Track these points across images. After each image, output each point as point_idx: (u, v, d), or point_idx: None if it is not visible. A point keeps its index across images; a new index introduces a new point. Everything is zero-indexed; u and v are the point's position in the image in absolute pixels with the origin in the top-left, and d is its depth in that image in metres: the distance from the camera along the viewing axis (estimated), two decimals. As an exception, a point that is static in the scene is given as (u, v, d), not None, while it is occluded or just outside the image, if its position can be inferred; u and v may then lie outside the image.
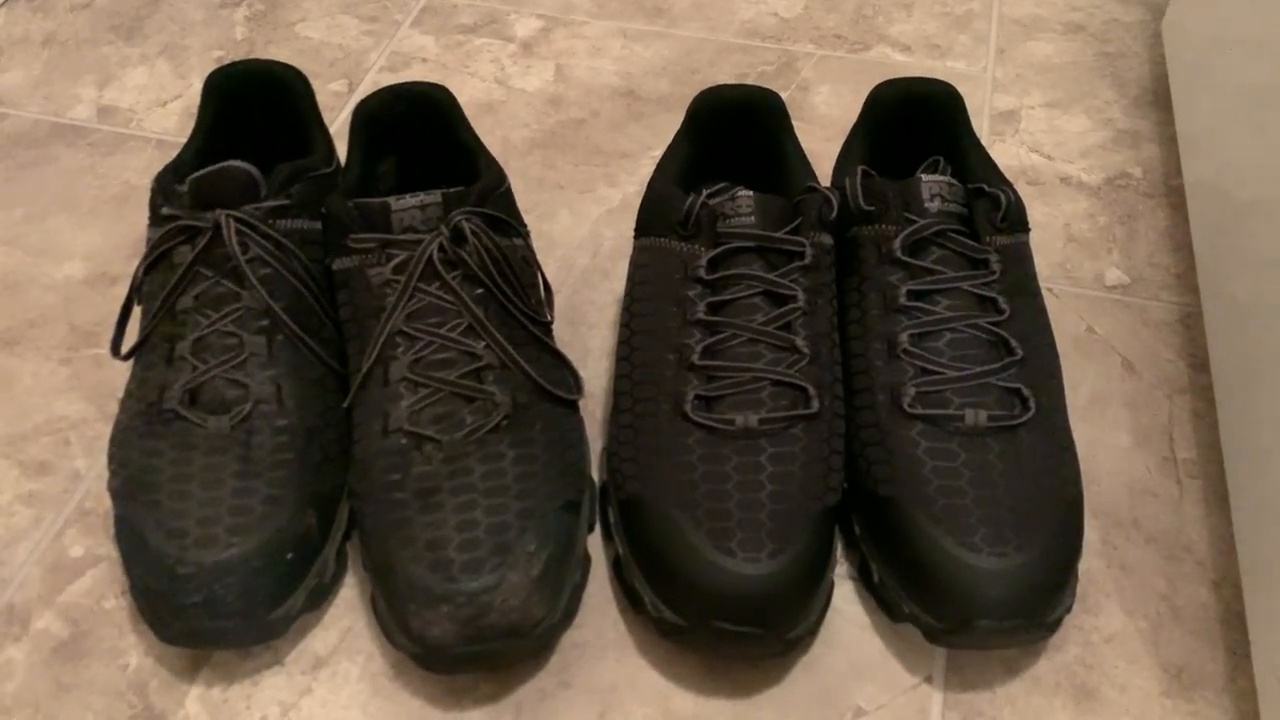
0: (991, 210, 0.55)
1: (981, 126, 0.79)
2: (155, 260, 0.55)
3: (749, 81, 0.82)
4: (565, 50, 0.86)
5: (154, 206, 0.56)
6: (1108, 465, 0.59)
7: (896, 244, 0.54)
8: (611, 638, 0.53)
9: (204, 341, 0.53)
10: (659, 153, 0.77)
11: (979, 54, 0.85)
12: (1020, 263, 0.56)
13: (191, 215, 0.54)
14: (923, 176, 0.55)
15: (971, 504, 0.49)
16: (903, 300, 0.53)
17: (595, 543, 0.56)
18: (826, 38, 0.86)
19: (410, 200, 0.53)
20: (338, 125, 0.79)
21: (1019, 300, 0.54)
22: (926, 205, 0.55)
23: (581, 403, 0.57)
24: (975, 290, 0.54)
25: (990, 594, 0.47)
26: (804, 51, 0.85)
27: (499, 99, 0.82)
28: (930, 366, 0.52)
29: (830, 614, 0.52)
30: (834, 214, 0.54)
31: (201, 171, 0.54)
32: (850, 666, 0.52)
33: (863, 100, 0.63)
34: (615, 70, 0.84)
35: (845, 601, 0.54)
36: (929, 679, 0.51)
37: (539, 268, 0.58)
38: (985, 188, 0.55)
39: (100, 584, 0.55)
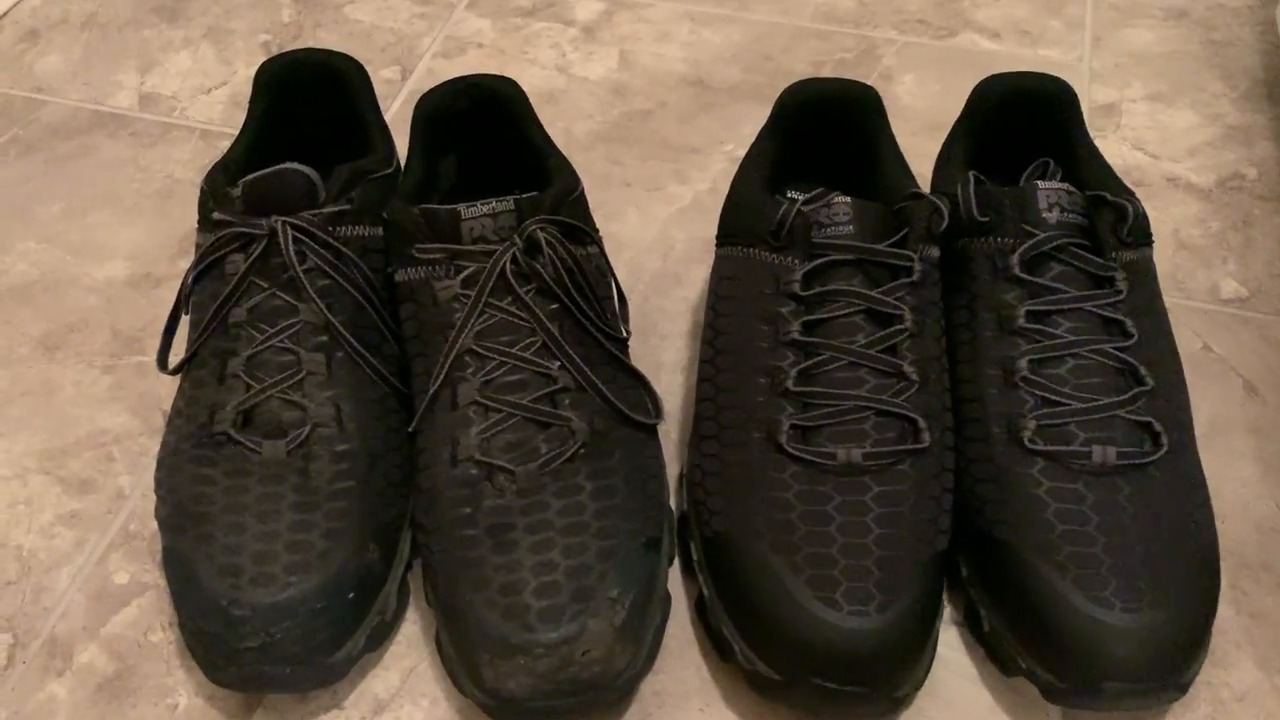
0: (1117, 222, 0.50)
1: (1078, 121, 0.73)
2: (206, 268, 0.51)
3: (826, 70, 0.77)
4: (629, 35, 0.81)
5: (203, 210, 0.52)
6: (1232, 500, 0.54)
7: (1014, 259, 0.49)
8: (694, 685, 0.49)
9: (258, 359, 0.49)
10: (731, 147, 0.73)
11: (1074, 42, 0.79)
12: (1146, 280, 0.51)
13: (245, 221, 0.50)
14: (1039, 184, 0.50)
15: (1101, 552, 0.44)
16: (1020, 322, 0.48)
17: (673, 576, 0.52)
18: (909, 23, 0.81)
19: (481, 208, 0.48)
20: (391, 115, 0.75)
21: (1145, 322, 0.50)
22: (1044, 215, 0.50)
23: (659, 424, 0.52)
24: (1100, 311, 0.49)
25: (1121, 654, 0.43)
26: (885, 38, 0.80)
27: (560, 88, 0.77)
28: (1052, 396, 0.47)
29: (934, 663, 0.48)
30: (944, 225, 0.49)
31: (256, 174, 0.50)
32: (957, 723, 0.47)
33: (949, 91, 0.58)
34: (683, 57, 0.79)
35: (950, 649, 0.49)
36: (1043, 738, 0.47)
37: (614, 277, 0.54)
38: (1108, 196, 0.50)
39: (147, 614, 0.51)
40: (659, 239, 0.68)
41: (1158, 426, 0.47)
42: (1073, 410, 0.47)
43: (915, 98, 0.75)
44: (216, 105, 0.77)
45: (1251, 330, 0.61)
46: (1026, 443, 0.47)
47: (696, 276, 0.65)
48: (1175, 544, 0.45)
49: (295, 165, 0.50)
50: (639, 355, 0.61)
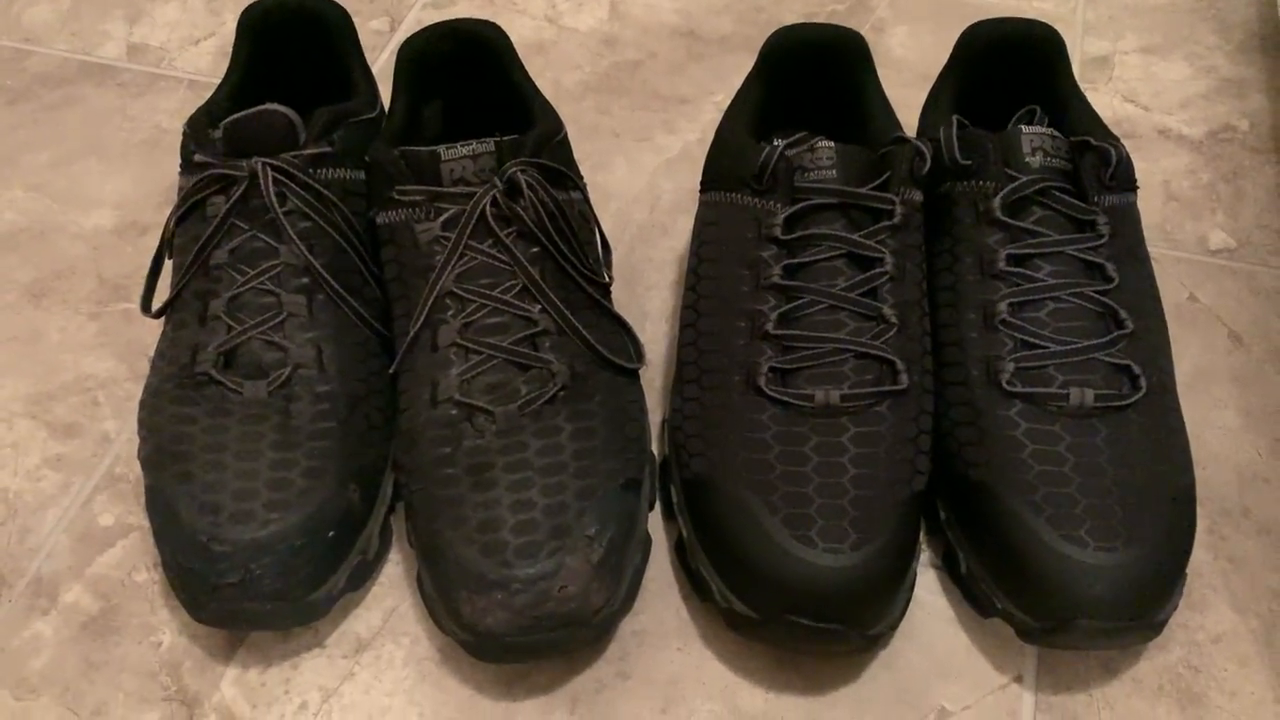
0: (1100, 166, 0.50)
1: (1071, 73, 0.73)
2: (187, 211, 0.51)
3: (819, 20, 0.77)
4: (620, -13, 0.80)
5: (186, 152, 0.52)
6: (1214, 448, 0.54)
7: (995, 202, 0.49)
8: (673, 625, 0.49)
9: (239, 300, 0.49)
10: (721, 98, 0.72)
11: (1068, -7, 0.79)
12: (1129, 225, 0.51)
13: (226, 163, 0.50)
14: (1023, 128, 0.50)
15: (1076, 492, 0.44)
16: (1001, 265, 0.48)
17: (654, 521, 0.52)
18: (902, -25, 0.80)
19: (461, 149, 0.48)
20: (379, 66, 0.74)
21: (1127, 266, 0.49)
22: (1027, 160, 0.50)
23: (641, 370, 0.52)
24: (1081, 255, 0.48)
25: (1095, 592, 0.43)
26: (877, -10, 0.79)
27: (549, 38, 0.77)
28: (1031, 339, 0.47)
29: (911, 606, 0.48)
30: (927, 168, 0.49)
31: (236, 115, 0.49)
32: (933, 663, 0.48)
33: (942, 43, 0.58)
34: (674, 8, 0.79)
35: (928, 592, 0.50)
36: (1019, 678, 0.47)
37: (597, 223, 0.54)
38: (1092, 141, 0.50)
39: (131, 555, 0.52)
40: (647, 189, 0.67)
41: (1136, 369, 0.47)
42: (1051, 353, 0.47)
43: (908, 49, 0.75)
44: (204, 56, 0.76)
45: (1239, 280, 0.61)
46: (1005, 385, 0.47)
47: (684, 227, 0.65)
48: (1150, 485, 0.45)
49: (275, 106, 0.50)
50: (625, 304, 0.61)
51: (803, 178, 0.49)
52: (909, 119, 0.59)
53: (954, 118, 0.51)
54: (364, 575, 0.49)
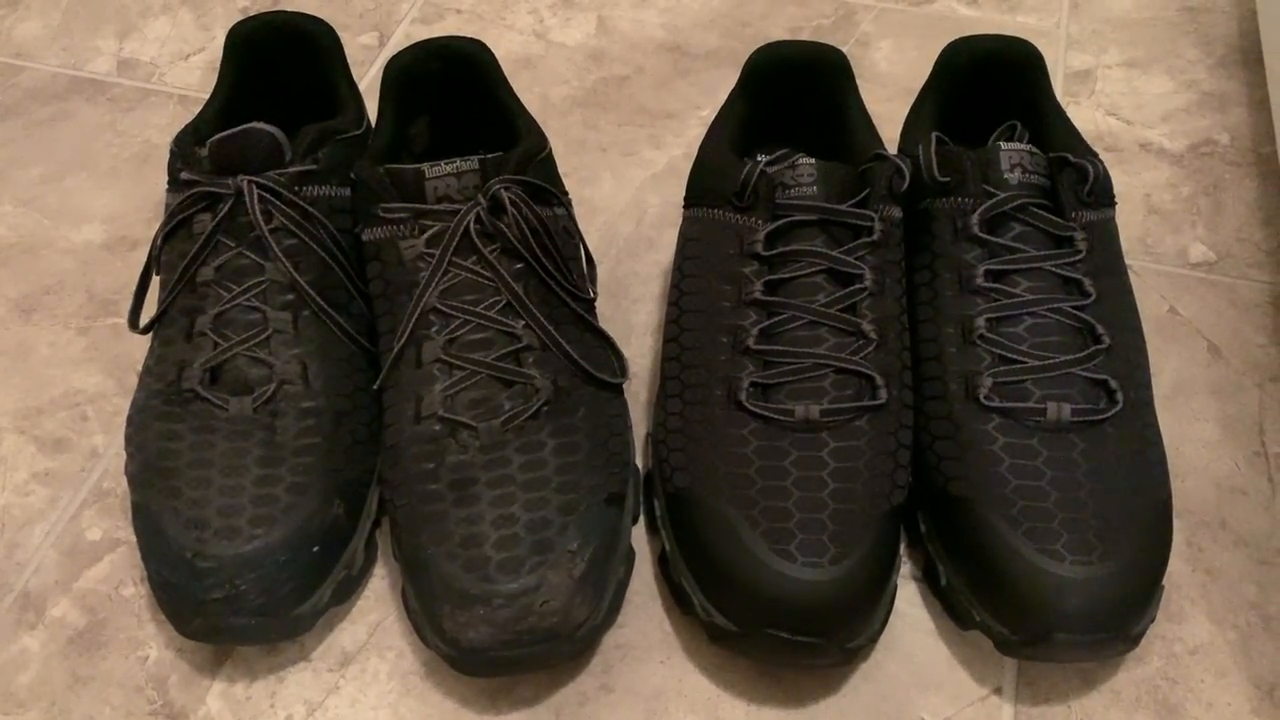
0: (1078, 183, 0.50)
1: (1054, 88, 0.73)
2: (174, 228, 0.51)
3: (804, 36, 0.77)
4: (608, 1, 0.81)
5: (173, 170, 0.52)
6: (1192, 460, 0.55)
7: (974, 219, 0.49)
8: (657, 638, 0.49)
9: (225, 317, 0.49)
10: (707, 113, 0.73)
11: (1051, 8, 0.79)
12: (1107, 240, 0.51)
13: (211, 181, 0.50)
14: (1002, 145, 0.51)
15: (1053, 507, 0.45)
16: (979, 281, 0.49)
17: (639, 534, 0.52)
18: (887, -11, 0.81)
19: (446, 167, 0.49)
20: (367, 81, 0.75)
21: (1105, 282, 0.50)
22: (1006, 176, 0.50)
23: (625, 384, 0.53)
24: (1059, 271, 0.49)
25: (1071, 606, 0.43)
26: (863, 4, 0.80)
27: (537, 53, 0.77)
28: (1009, 354, 0.48)
29: (892, 618, 0.49)
30: (905, 185, 0.50)
31: (222, 134, 0.50)
32: (913, 675, 0.48)
33: (926, 58, 0.59)
34: (661, 23, 0.79)
35: (909, 604, 0.50)
36: (998, 690, 0.48)
37: (581, 239, 0.54)
38: (1070, 158, 0.51)
39: (119, 569, 0.52)
40: (633, 203, 0.68)
41: (1114, 384, 0.47)
42: (1029, 368, 0.47)
43: (892, 64, 0.75)
44: (194, 71, 0.77)
45: (1218, 293, 0.62)
46: (983, 399, 0.47)
47: (669, 240, 0.66)
48: (1127, 499, 0.46)
49: (261, 125, 0.50)
50: (611, 318, 0.62)
51: (784, 194, 0.50)
52: (893, 133, 0.60)
53: (933, 135, 0.52)
54: (349, 589, 0.49)
